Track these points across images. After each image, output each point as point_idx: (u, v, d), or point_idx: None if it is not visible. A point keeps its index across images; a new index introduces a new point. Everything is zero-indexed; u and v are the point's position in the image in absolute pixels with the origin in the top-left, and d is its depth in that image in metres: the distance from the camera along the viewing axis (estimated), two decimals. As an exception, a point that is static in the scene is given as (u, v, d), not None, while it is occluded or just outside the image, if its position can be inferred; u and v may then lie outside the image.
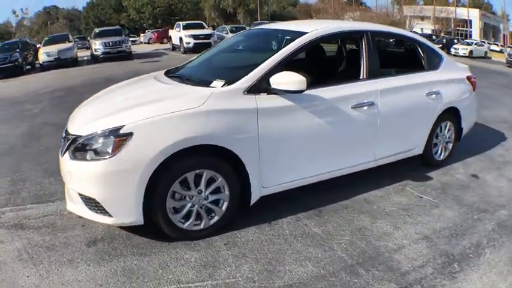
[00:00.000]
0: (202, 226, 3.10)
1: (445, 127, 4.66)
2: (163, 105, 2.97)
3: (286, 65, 3.36)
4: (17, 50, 17.44)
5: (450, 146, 4.80)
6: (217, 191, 3.08)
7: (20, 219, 3.52)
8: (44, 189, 4.16)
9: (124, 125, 2.77)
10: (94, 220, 2.96)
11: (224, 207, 3.15)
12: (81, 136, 2.88)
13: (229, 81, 3.19)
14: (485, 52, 32.94)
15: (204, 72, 3.82)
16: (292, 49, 3.43)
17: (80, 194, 2.90)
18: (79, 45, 29.76)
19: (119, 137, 2.74)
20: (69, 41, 19.55)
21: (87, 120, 3.10)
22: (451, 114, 4.64)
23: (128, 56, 19.31)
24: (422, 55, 4.47)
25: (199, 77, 3.60)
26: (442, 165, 4.76)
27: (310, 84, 3.56)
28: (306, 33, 3.62)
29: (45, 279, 2.66)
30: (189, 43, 21.21)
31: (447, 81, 4.52)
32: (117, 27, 25.24)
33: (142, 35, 46.41)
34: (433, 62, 4.53)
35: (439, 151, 4.70)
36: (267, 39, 4.30)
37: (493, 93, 10.38)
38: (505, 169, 4.76)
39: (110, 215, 2.84)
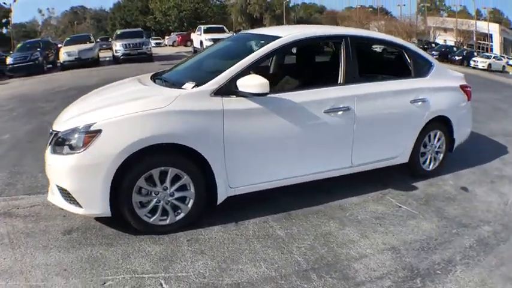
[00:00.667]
0: (168, 221, 3.21)
1: (434, 136, 4.50)
2: (133, 105, 3.12)
3: (261, 68, 3.44)
4: (38, 49, 18.01)
5: (441, 156, 4.64)
6: (183, 188, 3.18)
7: (10, 208, 3.75)
8: (37, 182, 4.38)
9: (95, 123, 2.96)
10: (68, 210, 3.16)
11: (190, 205, 3.23)
12: (60, 132, 3.11)
13: (199, 84, 3.28)
14: (503, 66, 32.92)
15: (183, 75, 3.83)
16: (262, 53, 3.48)
17: (57, 186, 3.11)
18: (103, 46, 30.54)
19: (89, 133, 2.92)
20: (91, 42, 20.04)
21: (67, 117, 3.29)
22: (441, 123, 4.49)
23: (149, 57, 19.69)
24: (408, 61, 4.35)
25: (177, 80, 3.66)
26: (431, 175, 4.60)
27: (283, 88, 3.83)
28: (278, 37, 3.65)
29: (18, 262, 2.88)
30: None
31: (436, 89, 4.38)
32: (139, 29, 25.72)
33: (167, 37, 47.12)
34: (421, 69, 4.40)
35: (428, 161, 4.55)
36: (245, 44, 4.32)
37: (505, 106, 10.04)
38: (499, 183, 4.56)
39: (80, 206, 3.03)
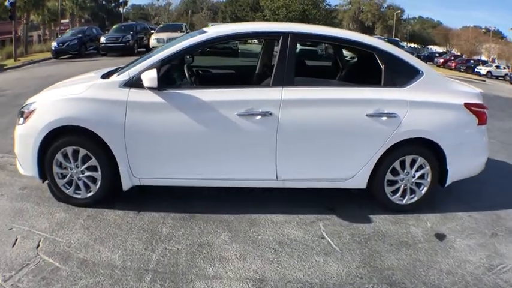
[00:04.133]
0: (80, 196, 3.49)
1: (412, 163, 3.59)
2: (62, 90, 3.57)
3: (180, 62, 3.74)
4: (131, 32, 19.35)
5: (423, 190, 3.66)
6: (92, 169, 3.42)
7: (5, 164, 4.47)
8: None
9: (34, 102, 3.51)
10: (19, 170, 3.66)
11: (98, 185, 3.44)
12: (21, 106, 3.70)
13: (119, 75, 3.44)
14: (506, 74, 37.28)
15: (127, 68, 3.73)
16: (178, 49, 3.44)
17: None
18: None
19: (29, 110, 3.45)
20: (182, 31, 20.98)
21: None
22: (425, 148, 3.57)
23: (234, 53, 19.73)
24: (380, 67, 3.52)
25: (116, 71, 3.69)
26: (408, 211, 3.67)
27: (195, 85, 3.84)
28: (204, 32, 3.59)
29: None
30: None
31: (418, 103, 3.47)
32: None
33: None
34: (398, 77, 3.54)
35: (400, 193, 3.64)
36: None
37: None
38: (503, 239, 3.33)
39: (22, 167, 3.56)
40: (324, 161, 3.45)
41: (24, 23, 24.36)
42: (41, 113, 3.37)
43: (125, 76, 3.36)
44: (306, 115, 3.32)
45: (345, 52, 4.79)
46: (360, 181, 3.54)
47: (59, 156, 3.37)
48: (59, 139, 3.34)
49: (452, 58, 45.71)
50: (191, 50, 3.58)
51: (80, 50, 19.31)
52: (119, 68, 3.90)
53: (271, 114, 3.25)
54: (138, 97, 3.28)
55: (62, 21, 35.30)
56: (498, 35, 60.43)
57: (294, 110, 3.30)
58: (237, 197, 3.72)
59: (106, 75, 3.62)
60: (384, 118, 3.40)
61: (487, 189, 4.32)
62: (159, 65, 3.30)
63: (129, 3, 61.11)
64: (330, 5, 62.38)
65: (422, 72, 3.61)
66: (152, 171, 3.43)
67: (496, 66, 41.24)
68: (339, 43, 4.02)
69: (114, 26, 22.17)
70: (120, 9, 53.50)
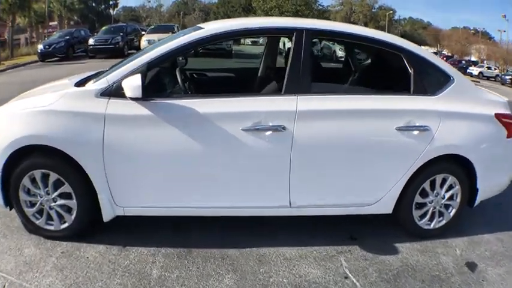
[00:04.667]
0: (54, 228, 2.93)
1: (442, 183, 3.11)
2: (28, 102, 2.97)
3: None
4: (121, 34, 18.84)
5: (452, 212, 3.19)
6: (67, 196, 2.84)
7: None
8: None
9: None
10: None
11: (73, 216, 2.87)
12: None
13: (96, 82, 2.84)
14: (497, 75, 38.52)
15: (106, 73, 3.10)
16: (167, 49, 2.83)
17: None
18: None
19: None
20: (173, 32, 20.39)
21: None
22: (455, 165, 3.09)
23: (228, 54, 19.37)
24: (408, 70, 3.01)
25: (93, 77, 3.11)
26: (433, 236, 3.21)
27: (193, 92, 3.30)
28: (200, 29, 2.98)
29: None
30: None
31: (450, 114, 2.99)
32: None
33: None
34: (429, 83, 3.04)
35: (428, 216, 3.16)
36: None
37: None
38: None
39: None
40: (347, 184, 2.94)
41: (10, 26, 23.62)
42: (3, 130, 2.82)
43: (102, 83, 2.74)
44: (326, 129, 2.78)
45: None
46: (386, 206, 3.05)
47: (26, 181, 2.79)
48: (25, 160, 2.76)
49: (445, 59, 45.83)
50: (185, 49, 2.91)
51: (68, 52, 18.78)
52: (99, 72, 3.27)
53: (284, 128, 2.71)
54: (119, 109, 2.67)
55: (51, 23, 34.58)
56: (486, 36, 61.01)
57: (312, 123, 2.76)
58: (241, 226, 3.14)
59: (81, 82, 3.01)
60: (416, 132, 2.90)
61: (509, 205, 3.88)
62: (145, 69, 2.72)
63: (120, 5, 60.15)
64: (323, 6, 62.44)
65: (453, 78, 3.11)
66: (138, 199, 2.85)
67: (487, 67, 41.99)
68: (362, 42, 3.28)
69: (103, 28, 21.62)
70: (111, 11, 52.64)
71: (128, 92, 2.57)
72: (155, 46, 3.03)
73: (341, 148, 2.83)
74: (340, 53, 4.65)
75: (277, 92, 2.93)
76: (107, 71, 3.03)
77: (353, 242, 3.06)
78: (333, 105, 2.85)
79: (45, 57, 18.29)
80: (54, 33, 23.00)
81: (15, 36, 24.74)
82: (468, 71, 39.30)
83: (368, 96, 3.01)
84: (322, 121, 2.79)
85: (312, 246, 2.96)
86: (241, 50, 18.43)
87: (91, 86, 2.78)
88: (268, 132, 2.70)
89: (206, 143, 2.72)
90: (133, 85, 2.55)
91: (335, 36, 3.27)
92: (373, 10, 62.65)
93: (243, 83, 3.78)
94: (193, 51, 3.51)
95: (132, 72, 2.68)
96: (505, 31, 56.49)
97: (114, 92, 2.68)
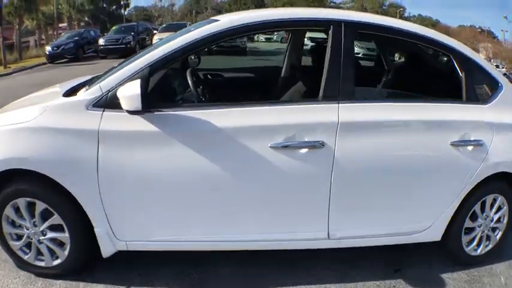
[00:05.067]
0: (45, 264, 2.49)
1: (492, 204, 2.70)
2: (8, 116, 2.49)
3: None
4: (132, 33, 18.60)
5: (498, 235, 2.79)
6: (58, 228, 2.39)
7: None
8: None
9: None
10: None
11: (67, 251, 2.42)
12: None
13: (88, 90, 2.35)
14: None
15: (98, 78, 2.67)
16: (180, 44, 2.30)
17: None
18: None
19: None
20: (186, 32, 20.18)
21: None
22: (503, 183, 2.67)
23: (243, 51, 18.96)
24: (459, 75, 2.58)
25: (87, 83, 2.64)
26: (479, 263, 2.80)
27: (208, 99, 2.79)
28: (215, 21, 2.45)
29: None
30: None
31: (503, 126, 2.57)
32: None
33: (276, 33, 47.28)
34: (480, 90, 2.60)
35: (476, 242, 2.75)
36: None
37: None
38: None
39: None
40: (396, 210, 2.51)
41: (17, 28, 23.53)
42: None
43: (95, 92, 2.24)
44: (373, 145, 2.33)
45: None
46: (435, 233, 2.62)
47: (8, 211, 2.37)
48: (7, 187, 2.33)
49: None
50: (198, 46, 2.35)
51: (77, 53, 18.62)
52: (94, 77, 2.78)
53: (323, 145, 2.25)
54: (116, 124, 2.19)
55: (60, 25, 34.55)
56: (490, 36, 60.41)
57: (357, 138, 2.31)
58: (268, 259, 2.68)
59: (72, 91, 2.53)
60: (470, 147, 2.47)
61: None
62: (147, 73, 2.22)
63: (132, 5, 60.06)
64: (335, 2, 61.70)
65: (501, 84, 2.68)
66: (144, 232, 2.38)
67: (495, 65, 41.55)
68: (410, 40, 2.68)
69: (114, 27, 21.41)
70: (122, 11, 52.32)
71: (125, 104, 2.08)
72: (161, 43, 2.50)
73: (391, 168, 2.39)
74: (357, 49, 4.26)
75: (307, 94, 2.53)
76: (102, 75, 2.58)
77: (398, 275, 2.64)
78: (381, 115, 2.38)
79: (53, 59, 18.18)
80: (63, 34, 22.86)
81: (24, 38, 24.78)
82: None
83: (419, 105, 2.53)
84: (369, 135, 2.33)
85: (353, 283, 2.54)
86: (256, 47, 17.91)
87: (82, 95, 2.29)
88: (304, 150, 2.24)
89: (226, 165, 2.25)
90: (130, 94, 2.06)
91: (380, 32, 2.64)
92: (383, 7, 62.04)
93: (264, 85, 3.34)
94: (206, 49, 2.97)
95: (131, 78, 2.20)
96: (507, 31, 56.30)
97: (110, 102, 2.19)
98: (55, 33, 30.37)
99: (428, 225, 2.58)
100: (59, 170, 2.22)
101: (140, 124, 2.18)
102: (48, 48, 18.77)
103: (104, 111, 2.21)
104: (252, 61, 12.43)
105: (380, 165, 2.36)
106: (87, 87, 2.43)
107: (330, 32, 2.39)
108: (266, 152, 2.21)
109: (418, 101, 2.63)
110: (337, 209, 2.37)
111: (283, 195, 2.34)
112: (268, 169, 2.25)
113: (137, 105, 2.06)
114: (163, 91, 2.69)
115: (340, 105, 2.31)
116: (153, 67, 2.26)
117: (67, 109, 2.27)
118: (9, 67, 17.54)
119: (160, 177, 2.24)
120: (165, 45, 2.33)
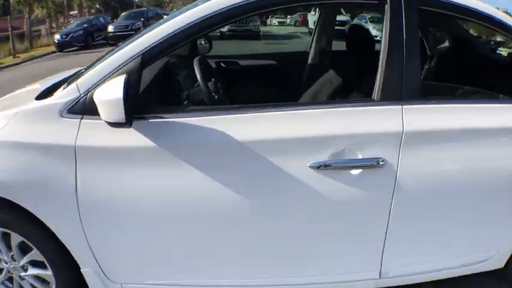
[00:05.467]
0: None
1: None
2: None
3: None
4: (142, 19, 18.24)
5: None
6: (40, 265, 1.88)
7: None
8: None
9: None
10: None
11: None
12: None
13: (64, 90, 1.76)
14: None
15: (80, 73, 1.97)
16: (181, 25, 1.63)
17: None
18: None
19: None
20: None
21: None
22: None
23: (256, 35, 18.45)
24: None
25: (69, 80, 1.97)
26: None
27: (223, 99, 2.14)
28: None
29: None
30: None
31: None
32: None
33: (289, 16, 46.20)
34: None
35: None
36: None
37: None
38: None
39: None
40: (467, 240, 1.88)
41: (27, 18, 23.24)
42: None
43: (71, 93, 1.65)
44: (449, 162, 1.70)
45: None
46: (500, 260, 1.99)
47: None
48: None
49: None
50: (209, 25, 1.67)
51: (87, 41, 18.28)
52: (76, 72, 2.13)
53: (382, 163, 1.61)
54: (98, 137, 1.59)
55: (71, 12, 34.24)
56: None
57: (428, 152, 1.67)
58: None
59: (48, 91, 1.94)
60: None
61: None
62: (138, 66, 1.58)
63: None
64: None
65: None
66: (142, 273, 1.83)
67: None
68: (478, 21, 1.93)
69: (123, 13, 21.00)
70: (134, -4, 51.99)
71: (103, 113, 1.48)
72: (162, 22, 1.85)
73: (468, 190, 1.74)
74: (375, 32, 3.63)
75: (341, 88, 1.95)
76: (86, 69, 1.93)
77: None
78: (458, 121, 1.71)
79: (62, 47, 17.92)
80: (72, 21, 22.49)
81: (35, 27, 24.50)
82: (497, 51, 37.60)
83: (493, 106, 1.84)
84: (442, 148, 1.68)
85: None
86: (269, 31, 17.07)
87: (56, 97, 1.70)
88: (357, 172, 1.61)
89: (248, 192, 1.63)
90: (110, 99, 1.45)
91: (447, 10, 1.86)
92: None
93: (291, 77, 2.69)
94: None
95: (116, 71, 1.58)
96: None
97: (90, 106, 1.58)
98: (66, 21, 30.10)
99: (494, 253, 1.96)
100: (29, 197, 1.68)
101: (130, 136, 1.57)
102: (57, 37, 18.48)
103: (82, 118, 1.61)
104: (267, 46, 11.72)
105: (455, 188, 1.72)
106: (64, 85, 1.81)
107: (387, 8, 1.70)
108: (304, 173, 1.60)
109: (499, 101, 1.93)
110: (394, 244, 1.76)
111: (325, 229, 1.72)
112: (306, 197, 1.63)
113: (119, 114, 1.44)
114: (162, 88, 2.07)
115: (404, 107, 1.66)
116: (147, 56, 1.61)
117: (38, 117, 1.67)
118: (18, 57, 17.28)
119: (159, 206, 1.65)
120: (164, 24, 1.69)
